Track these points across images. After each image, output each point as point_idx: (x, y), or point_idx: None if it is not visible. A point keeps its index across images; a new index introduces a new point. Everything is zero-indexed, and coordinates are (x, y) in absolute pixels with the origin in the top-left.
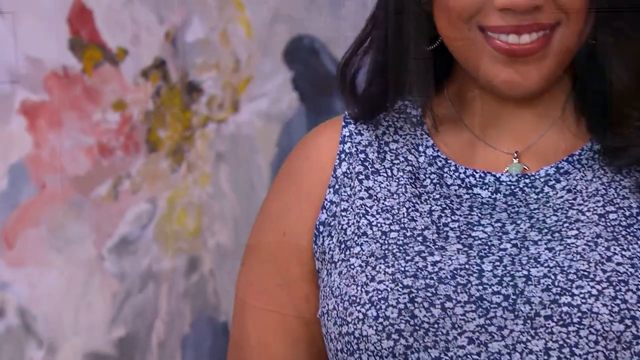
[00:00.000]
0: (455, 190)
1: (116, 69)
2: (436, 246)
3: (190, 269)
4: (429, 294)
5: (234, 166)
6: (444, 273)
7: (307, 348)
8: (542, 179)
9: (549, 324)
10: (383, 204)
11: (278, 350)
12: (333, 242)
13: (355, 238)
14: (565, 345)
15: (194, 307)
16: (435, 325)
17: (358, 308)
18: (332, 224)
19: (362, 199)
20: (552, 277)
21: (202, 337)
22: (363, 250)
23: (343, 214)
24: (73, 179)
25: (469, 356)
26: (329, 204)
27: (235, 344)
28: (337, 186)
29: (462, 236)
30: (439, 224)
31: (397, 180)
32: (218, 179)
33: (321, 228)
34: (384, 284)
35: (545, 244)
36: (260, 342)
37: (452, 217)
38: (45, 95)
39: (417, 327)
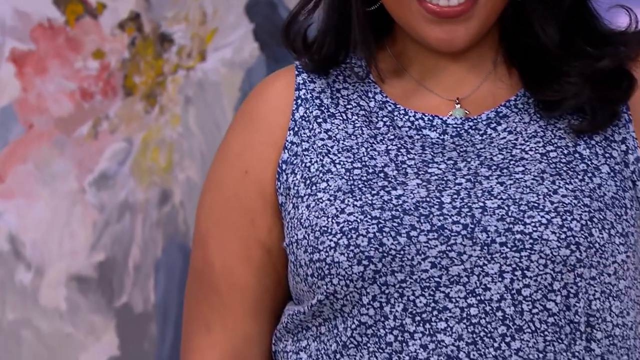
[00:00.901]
0: (407, 132)
1: (95, 21)
2: (397, 181)
3: (163, 201)
4: (395, 224)
5: (201, 108)
6: (407, 205)
7: (269, 275)
8: (484, 122)
9: (503, 249)
10: (343, 144)
11: (241, 275)
12: (297, 179)
13: (320, 175)
14: (517, 268)
15: (166, 235)
16: (402, 252)
17: (330, 237)
18: (294, 162)
19: (322, 139)
20: (506, 207)
21: (173, 261)
22: (330, 186)
23: (305, 153)
24: (57, 120)
25: (431, 279)
26: (289, 144)
27: (198, 272)
28: (296, 128)
29: (420, 172)
30: (397, 162)
31: (352, 123)
32: (187, 120)
33: (284, 166)
34: (354, 216)
35: (496, 178)
36: (224, 268)
37: (408, 156)
38: (32, 45)
39: (385, 254)
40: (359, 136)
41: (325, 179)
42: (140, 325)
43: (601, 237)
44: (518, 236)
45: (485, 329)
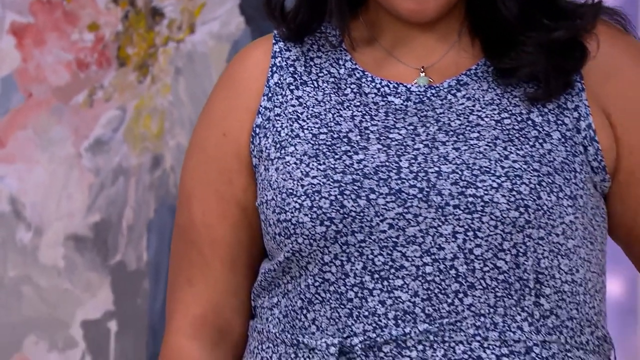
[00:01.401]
0: (372, 98)
1: None
2: (360, 146)
3: (154, 165)
4: (355, 187)
5: (190, 79)
6: (367, 169)
7: (245, 232)
8: (445, 89)
9: (456, 212)
10: (312, 110)
11: (220, 231)
12: (269, 142)
13: (289, 139)
14: (469, 229)
15: (157, 197)
16: (361, 214)
17: (295, 199)
18: (267, 126)
19: (293, 106)
20: (460, 172)
21: (164, 222)
22: (297, 150)
23: (277, 118)
24: (55, 89)
25: (389, 239)
26: (263, 109)
27: (181, 229)
28: (270, 94)
29: (381, 138)
30: (360, 127)
31: (322, 90)
32: (177, 89)
33: (257, 130)
34: (317, 179)
35: (452, 144)
36: (204, 225)
37: (371, 122)
38: (31, 18)
39: (345, 215)
40: (327, 103)
41: (294, 144)
42: (133, 282)
43: (549, 199)
44: (470, 199)
45: (440, 286)
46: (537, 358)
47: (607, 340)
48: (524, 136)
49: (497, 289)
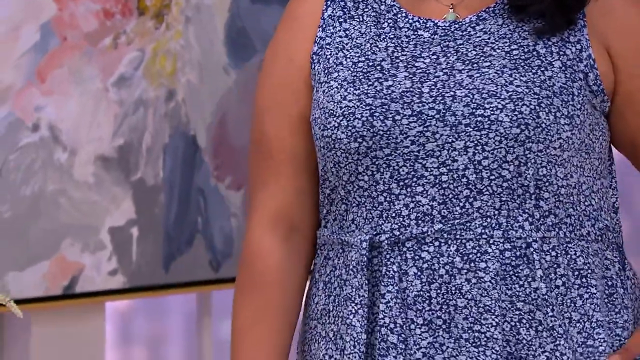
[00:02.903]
0: (405, 32)
1: None
2: (390, 74)
3: (169, 98)
4: (383, 110)
5: (198, 26)
6: (394, 95)
7: (310, 141)
8: (467, 24)
9: (467, 129)
10: (355, 41)
11: (289, 141)
12: (320, 68)
13: (334, 66)
14: (478, 144)
15: (171, 125)
16: (388, 132)
17: (334, 119)
18: (320, 54)
19: (340, 37)
20: (471, 96)
21: (177, 145)
22: (339, 76)
23: (327, 47)
24: (85, 34)
25: (411, 153)
26: (319, 39)
27: (256, 141)
28: (324, 25)
29: (408, 66)
30: (392, 57)
31: (365, 24)
32: (188, 35)
33: (314, 57)
34: (352, 102)
35: (467, 72)
36: (277, 137)
37: (402, 52)
38: None
39: (374, 134)
40: (367, 34)
41: (337, 70)
42: (151, 195)
43: (547, 118)
44: (479, 118)
45: (453, 192)
46: (534, 252)
47: (611, 229)
48: (528, 65)
49: (502, 195)
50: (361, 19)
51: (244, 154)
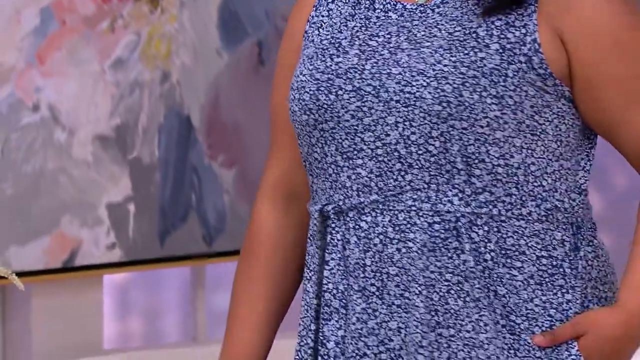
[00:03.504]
0: (377, 14)
1: None
2: (344, 51)
3: (164, 80)
4: (328, 85)
5: (193, 10)
6: (340, 70)
7: None
8: (430, 7)
9: (397, 105)
10: (332, 20)
11: (287, 112)
12: (303, 45)
13: (307, 43)
14: (407, 119)
15: (166, 105)
16: (331, 106)
17: (292, 92)
18: (308, 32)
19: (323, 16)
20: (403, 74)
21: (171, 125)
22: (305, 52)
23: (313, 25)
24: (84, 18)
25: (351, 127)
26: (311, 18)
27: (270, 115)
28: (317, 6)
29: (362, 45)
30: (354, 36)
31: (347, 4)
32: (182, 19)
33: (305, 35)
34: (305, 77)
35: (408, 51)
36: (283, 108)
37: (364, 32)
38: None
39: (319, 107)
40: (342, 14)
41: (308, 47)
42: (147, 173)
43: (471, 97)
44: (407, 95)
45: (387, 165)
46: (463, 226)
47: (562, 210)
48: (462, 46)
49: (430, 169)
50: (346, 0)
51: (236, 134)
